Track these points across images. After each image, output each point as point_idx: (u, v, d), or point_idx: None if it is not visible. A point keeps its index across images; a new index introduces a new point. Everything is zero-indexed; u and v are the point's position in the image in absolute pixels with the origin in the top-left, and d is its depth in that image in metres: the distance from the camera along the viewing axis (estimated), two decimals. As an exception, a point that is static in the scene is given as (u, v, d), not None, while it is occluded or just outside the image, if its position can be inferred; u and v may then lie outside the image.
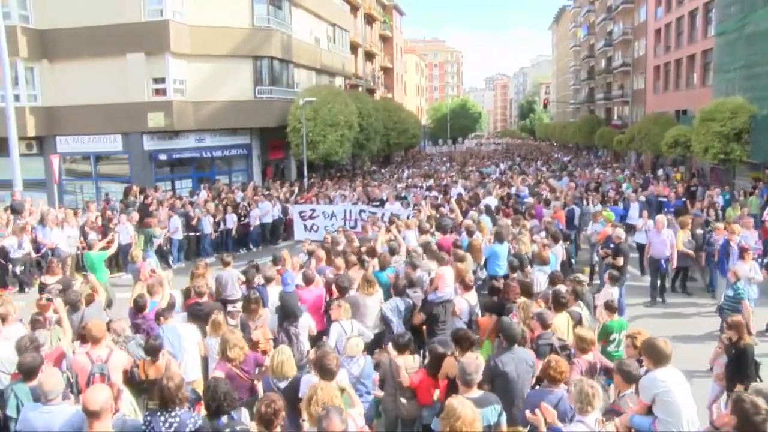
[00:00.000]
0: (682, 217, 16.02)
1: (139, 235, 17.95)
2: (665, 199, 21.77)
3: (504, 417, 5.86)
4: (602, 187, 27.39)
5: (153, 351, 7.25)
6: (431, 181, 30.61)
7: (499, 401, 5.89)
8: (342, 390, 6.05)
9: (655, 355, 5.69)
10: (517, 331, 6.80)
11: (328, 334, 8.27)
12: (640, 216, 17.65)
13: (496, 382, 6.43)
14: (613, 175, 34.17)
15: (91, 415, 4.79)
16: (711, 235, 15.09)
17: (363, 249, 12.21)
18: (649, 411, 5.62)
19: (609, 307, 9.10)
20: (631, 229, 18.44)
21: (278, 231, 22.76)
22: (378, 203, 21.33)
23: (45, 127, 27.01)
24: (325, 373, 5.96)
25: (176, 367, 7.27)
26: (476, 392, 5.73)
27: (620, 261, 12.82)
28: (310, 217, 20.57)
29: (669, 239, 14.38)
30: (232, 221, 20.99)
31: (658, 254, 14.40)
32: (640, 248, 16.10)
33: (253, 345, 7.80)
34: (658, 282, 14.66)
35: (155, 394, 5.60)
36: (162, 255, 18.78)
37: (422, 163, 55.44)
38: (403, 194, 24.39)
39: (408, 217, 16.12)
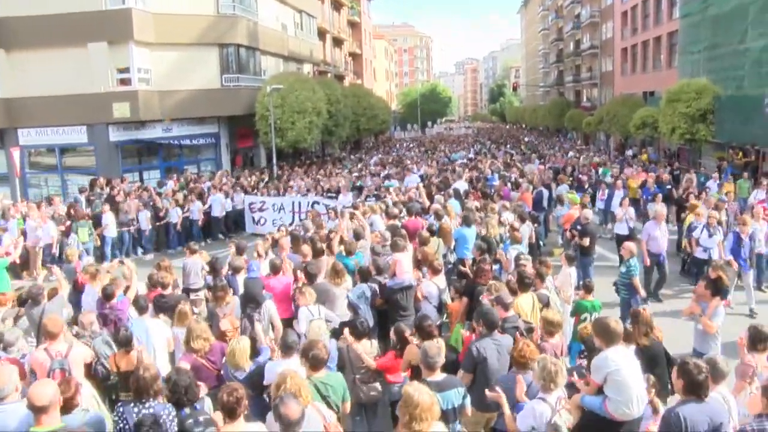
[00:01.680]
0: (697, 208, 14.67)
1: (77, 228, 17.26)
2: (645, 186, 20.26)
3: (468, 399, 5.88)
4: (575, 172, 26.00)
5: (126, 341, 7.15)
6: (391, 170, 29.28)
7: (462, 384, 5.90)
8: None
9: (606, 335, 5.75)
10: (495, 317, 6.75)
11: (298, 320, 8.22)
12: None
13: (478, 368, 6.41)
14: (587, 159, 33.53)
15: (38, 410, 4.69)
16: (691, 223, 14.14)
17: (331, 236, 12.17)
18: (599, 391, 5.68)
19: (586, 286, 9.26)
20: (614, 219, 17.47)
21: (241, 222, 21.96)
22: (333, 194, 20.66)
23: (5, 120, 26.35)
24: (316, 362, 5.93)
25: (149, 359, 7.19)
26: (439, 375, 5.75)
27: (586, 241, 12.95)
28: (260, 210, 19.80)
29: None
30: (196, 210, 20.40)
31: (657, 248, 13.07)
32: (621, 239, 14.65)
33: (221, 334, 7.72)
34: (656, 277, 13.31)
35: (131, 384, 5.55)
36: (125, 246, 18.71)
37: (390, 149, 55.12)
38: (358, 183, 23.68)
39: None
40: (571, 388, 5.95)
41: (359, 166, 34.64)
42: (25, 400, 5.49)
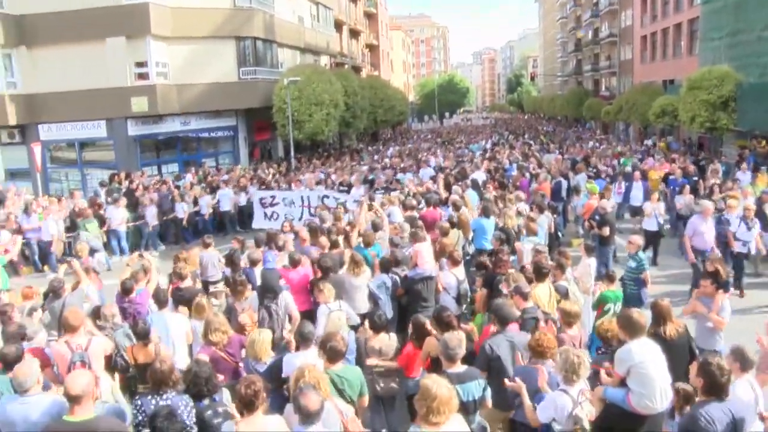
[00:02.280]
0: (732, 200, 13.82)
1: (85, 225, 17.13)
2: (670, 177, 19.43)
3: (489, 392, 5.83)
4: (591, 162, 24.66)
5: (144, 334, 7.20)
6: (407, 162, 28.53)
7: (482, 376, 5.85)
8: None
9: (630, 327, 5.66)
10: (509, 311, 6.67)
11: (317, 317, 8.19)
12: (647, 198, 16.48)
13: (492, 366, 6.29)
14: (609, 149, 32.49)
15: (72, 399, 4.74)
16: (722, 215, 13.52)
17: (348, 228, 12.17)
18: (623, 383, 5.60)
19: (609, 276, 9.19)
20: (636, 213, 17.48)
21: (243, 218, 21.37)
22: (345, 188, 20.20)
23: (26, 115, 26.60)
24: (334, 354, 5.94)
25: (167, 352, 7.23)
26: (460, 367, 5.70)
27: (606, 231, 12.84)
28: (271, 204, 18.99)
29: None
30: (205, 205, 20.32)
31: (704, 245, 12.31)
32: (651, 236, 14.74)
33: (240, 328, 7.75)
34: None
35: (148, 376, 5.61)
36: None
37: (407, 140, 54.88)
38: (371, 176, 22.96)
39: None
40: (593, 378, 5.89)
41: (376, 157, 34.49)
42: (48, 391, 5.59)
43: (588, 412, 5.30)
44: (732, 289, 12.31)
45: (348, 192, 18.85)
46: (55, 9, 25.97)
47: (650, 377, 5.40)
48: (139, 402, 5.49)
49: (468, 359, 6.14)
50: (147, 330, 7.24)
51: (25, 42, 26.57)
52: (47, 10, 26.03)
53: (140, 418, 5.39)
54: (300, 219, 16.30)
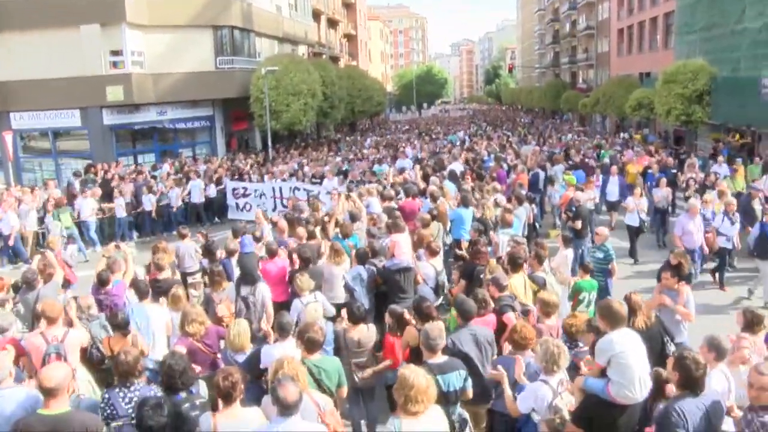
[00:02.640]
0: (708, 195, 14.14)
1: (59, 215, 16.91)
2: (649, 171, 19.44)
3: (470, 382, 5.85)
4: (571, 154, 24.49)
5: (123, 325, 7.13)
6: (383, 153, 28.19)
7: (464, 366, 5.87)
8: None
9: (610, 317, 5.68)
10: (471, 306, 6.65)
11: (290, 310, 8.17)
12: (622, 193, 16.69)
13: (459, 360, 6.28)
14: (587, 142, 32.57)
15: (47, 392, 4.68)
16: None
17: (326, 218, 12.15)
18: (602, 373, 5.65)
19: (582, 266, 9.25)
20: (612, 207, 17.60)
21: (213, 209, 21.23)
22: (318, 180, 19.78)
23: (-3, 103, 26.15)
24: (311, 344, 5.93)
25: (144, 344, 7.18)
26: (441, 357, 5.72)
27: (578, 224, 12.92)
28: (243, 195, 19.18)
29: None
30: (175, 197, 19.90)
31: (692, 244, 12.24)
32: (632, 232, 14.79)
33: (217, 320, 7.72)
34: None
35: (113, 369, 5.55)
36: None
37: (385, 131, 54.80)
38: (345, 168, 22.87)
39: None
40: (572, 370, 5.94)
41: (354, 148, 34.38)
42: (21, 384, 5.51)
43: (567, 403, 5.35)
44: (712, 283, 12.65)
45: (320, 183, 18.67)
46: (27, -5, 25.43)
47: (630, 367, 5.43)
48: (107, 396, 5.42)
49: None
50: (126, 321, 7.18)
51: (-5, 28, 25.99)
52: (19, -4, 25.47)
53: (108, 411, 5.33)
54: (274, 210, 16.17)
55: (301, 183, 19.32)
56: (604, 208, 18.44)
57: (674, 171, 19.14)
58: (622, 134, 39.90)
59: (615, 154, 23.86)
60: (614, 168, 18.41)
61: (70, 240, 15.85)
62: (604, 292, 9.98)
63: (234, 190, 19.44)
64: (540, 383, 5.44)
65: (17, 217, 16.59)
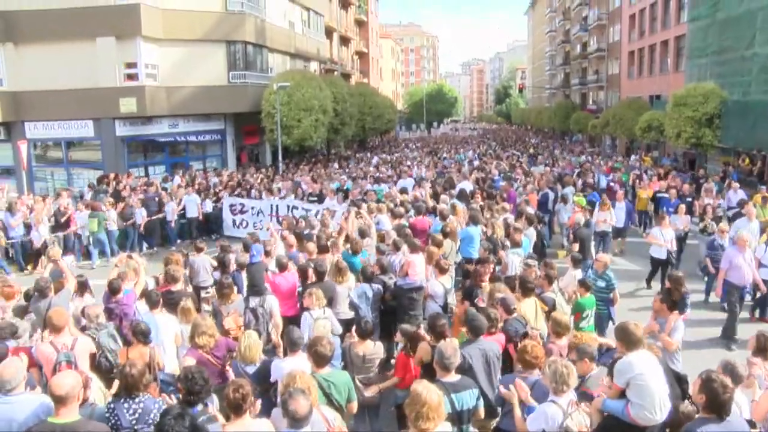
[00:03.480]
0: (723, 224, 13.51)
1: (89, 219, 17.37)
2: (665, 195, 18.48)
3: (482, 402, 5.86)
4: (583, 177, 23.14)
5: (144, 333, 7.11)
6: (384, 172, 27.17)
7: (476, 385, 5.88)
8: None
9: (627, 339, 5.69)
10: (483, 322, 6.66)
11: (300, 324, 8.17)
12: (629, 219, 16.46)
13: (466, 375, 6.24)
14: (600, 166, 30.18)
15: (58, 400, 4.70)
16: (714, 238, 13.11)
17: (334, 234, 12.18)
18: (621, 394, 5.63)
19: (583, 284, 9.21)
20: (618, 234, 16.86)
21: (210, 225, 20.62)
22: (315, 198, 19.41)
23: (12, 113, 26.45)
24: (320, 359, 5.93)
25: (160, 359, 7.22)
26: (454, 376, 5.72)
27: (575, 247, 12.80)
28: (240, 212, 18.69)
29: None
30: (170, 211, 19.65)
31: (741, 280, 11.08)
32: (657, 264, 13.77)
33: (226, 332, 7.74)
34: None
35: (119, 381, 5.54)
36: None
37: (394, 149, 54.59)
38: (346, 186, 22.14)
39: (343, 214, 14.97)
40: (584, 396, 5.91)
41: (361, 165, 34.26)
42: (33, 391, 5.54)
43: (578, 423, 5.33)
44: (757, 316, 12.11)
45: (319, 202, 18.34)
46: (44, 6, 25.88)
47: (649, 389, 5.43)
48: (112, 406, 5.42)
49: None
50: (147, 330, 7.19)
51: (13, 39, 26.42)
52: (36, 7, 25.92)
53: (112, 421, 5.34)
54: (269, 229, 15.78)
55: (299, 201, 18.96)
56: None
57: (690, 199, 17.85)
58: (633, 156, 39.70)
59: (635, 177, 23.10)
60: (620, 193, 17.99)
61: (68, 252, 16.06)
62: (606, 319, 9.89)
63: (231, 206, 19.02)
64: (549, 403, 5.42)
65: (46, 229, 17.07)
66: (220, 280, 9.13)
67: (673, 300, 8.02)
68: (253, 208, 18.45)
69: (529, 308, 7.99)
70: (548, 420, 5.31)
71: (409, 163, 33.05)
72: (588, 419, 5.46)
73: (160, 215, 19.51)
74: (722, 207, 17.40)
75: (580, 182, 21.37)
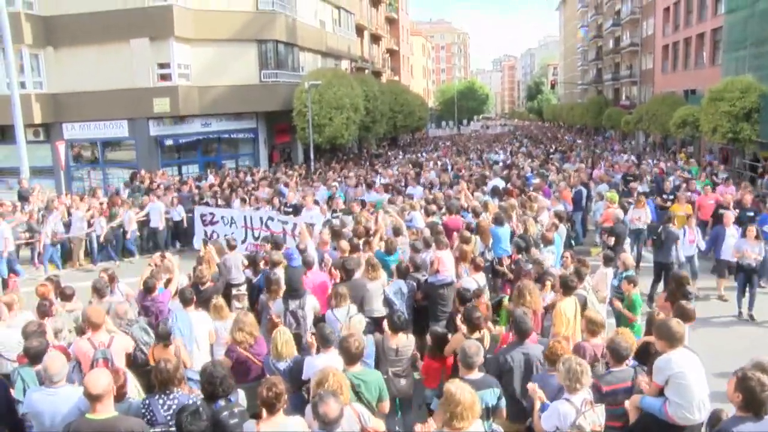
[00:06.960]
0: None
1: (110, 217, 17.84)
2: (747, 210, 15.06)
3: (503, 401, 5.83)
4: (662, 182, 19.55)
5: (164, 336, 7.25)
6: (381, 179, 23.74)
7: (499, 384, 5.86)
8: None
9: (669, 337, 5.59)
10: (528, 325, 6.56)
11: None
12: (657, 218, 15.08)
13: (504, 378, 6.27)
14: (646, 171, 23.71)
15: (93, 398, 4.80)
16: None
17: (370, 232, 12.19)
18: (660, 392, 5.55)
19: (631, 280, 9.14)
20: (638, 237, 15.39)
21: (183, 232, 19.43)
22: (290, 209, 17.86)
23: (51, 114, 27.08)
24: (350, 356, 5.97)
25: (186, 356, 7.30)
26: (476, 374, 5.72)
27: (611, 241, 12.76)
28: (211, 223, 16.80)
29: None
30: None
31: None
32: (748, 272, 11.93)
33: (273, 325, 7.68)
34: None
35: (153, 377, 5.63)
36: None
37: (423, 147, 53.89)
38: (337, 193, 20.00)
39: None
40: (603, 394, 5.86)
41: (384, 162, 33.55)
42: (73, 385, 5.67)
43: (591, 422, 5.27)
44: None
45: (295, 214, 16.93)
46: (81, 11, 26.48)
47: (689, 388, 5.35)
48: (147, 402, 5.52)
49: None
50: (168, 331, 7.31)
51: (52, 43, 27.07)
52: (74, 12, 26.53)
53: (148, 417, 5.42)
54: (243, 242, 14.68)
55: (275, 213, 17.23)
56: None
57: (751, 214, 14.65)
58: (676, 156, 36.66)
59: (680, 183, 19.92)
60: (643, 200, 15.77)
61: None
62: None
63: (202, 216, 16.79)
64: (562, 401, 5.38)
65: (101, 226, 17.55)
66: (268, 277, 9.10)
67: (675, 298, 7.92)
68: (223, 218, 17.19)
69: (569, 308, 7.86)
70: (561, 417, 5.28)
71: (426, 164, 29.88)
72: (601, 419, 5.39)
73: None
74: None
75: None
